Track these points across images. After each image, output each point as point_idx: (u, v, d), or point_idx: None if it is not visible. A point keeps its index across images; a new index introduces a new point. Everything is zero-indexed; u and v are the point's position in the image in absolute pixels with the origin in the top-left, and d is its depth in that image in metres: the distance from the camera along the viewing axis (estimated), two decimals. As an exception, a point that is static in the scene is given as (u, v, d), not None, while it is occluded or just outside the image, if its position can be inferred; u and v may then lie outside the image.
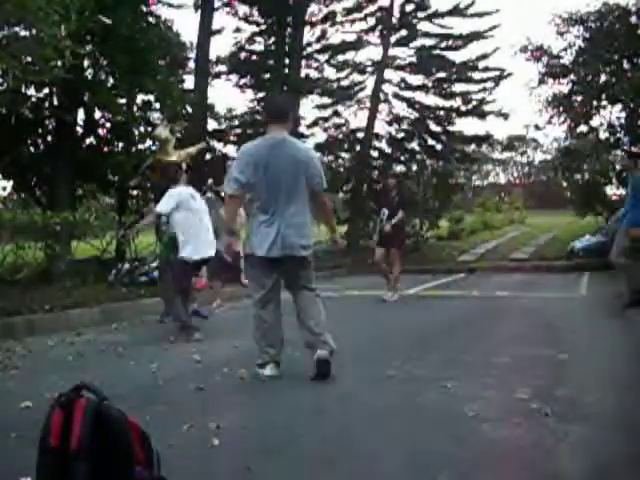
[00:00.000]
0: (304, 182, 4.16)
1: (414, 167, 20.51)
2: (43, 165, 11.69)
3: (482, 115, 19.45)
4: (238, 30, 18.58)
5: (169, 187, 6.70)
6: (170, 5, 15.50)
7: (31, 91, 10.47)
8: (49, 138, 11.68)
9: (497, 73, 19.21)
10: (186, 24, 24.17)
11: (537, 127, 15.55)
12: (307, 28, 18.73)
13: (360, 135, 19.48)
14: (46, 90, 10.77)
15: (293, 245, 4.12)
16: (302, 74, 18.65)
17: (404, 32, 19.43)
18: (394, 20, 19.33)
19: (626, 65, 14.05)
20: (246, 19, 18.60)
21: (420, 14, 19.16)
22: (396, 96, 19.96)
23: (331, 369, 4.07)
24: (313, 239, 4.37)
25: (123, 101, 11.81)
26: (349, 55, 19.82)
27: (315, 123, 19.92)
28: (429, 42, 19.53)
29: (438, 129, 20.07)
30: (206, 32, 16.07)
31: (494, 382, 3.87)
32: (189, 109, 13.48)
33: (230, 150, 18.76)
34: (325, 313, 4.26)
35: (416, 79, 19.88)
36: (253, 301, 4.33)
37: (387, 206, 8.78)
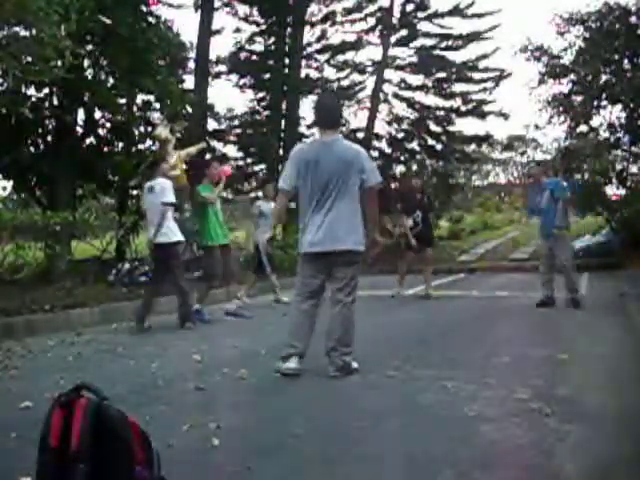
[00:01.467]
0: (353, 180, 4.24)
1: (414, 167, 20.50)
2: (43, 165, 11.67)
3: (482, 115, 19.45)
4: (238, 30, 18.59)
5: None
6: (170, 5, 15.54)
7: (31, 91, 10.47)
8: (49, 138, 11.67)
9: (497, 73, 19.21)
10: (186, 24, 24.20)
11: (537, 127, 15.54)
12: (307, 28, 18.73)
13: (360, 135, 19.48)
14: (46, 90, 10.76)
15: (340, 240, 4.20)
16: (302, 74, 18.64)
17: (404, 32, 19.42)
18: (394, 20, 19.33)
19: (626, 65, 14.04)
20: (246, 19, 18.60)
21: (420, 14, 19.16)
22: (396, 96, 19.97)
23: (346, 373, 4.18)
24: (362, 239, 4.32)
25: (123, 101, 11.80)
26: (349, 55, 19.84)
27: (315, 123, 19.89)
28: (429, 42, 19.54)
29: (438, 129, 20.06)
30: (206, 32, 16.06)
31: (494, 382, 3.87)
32: (189, 109, 13.45)
33: (230, 150, 18.78)
34: (353, 324, 4.29)
35: (416, 79, 19.89)
36: (295, 295, 4.48)
37: (418, 208, 8.97)
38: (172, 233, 6.63)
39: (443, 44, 19.43)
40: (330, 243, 4.21)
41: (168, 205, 6.64)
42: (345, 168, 4.23)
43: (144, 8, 11.56)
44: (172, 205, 6.74)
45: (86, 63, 10.94)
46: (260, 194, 4.83)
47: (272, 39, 18.46)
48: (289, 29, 18.12)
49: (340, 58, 19.81)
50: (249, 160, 18.83)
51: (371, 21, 19.53)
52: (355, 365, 4.29)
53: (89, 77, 11.23)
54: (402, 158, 20.73)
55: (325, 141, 4.35)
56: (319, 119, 4.48)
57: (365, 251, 4.39)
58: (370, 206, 4.42)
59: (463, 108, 19.65)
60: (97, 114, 11.89)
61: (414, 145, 20.38)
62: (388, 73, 19.75)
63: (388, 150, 20.45)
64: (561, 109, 14.72)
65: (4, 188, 12.10)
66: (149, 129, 12.01)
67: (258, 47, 18.96)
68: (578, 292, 7.49)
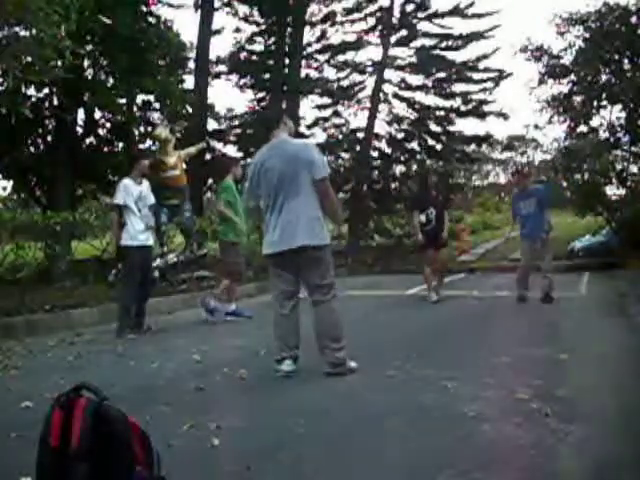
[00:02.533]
0: (302, 176, 4.19)
1: (414, 167, 20.49)
2: (43, 165, 11.68)
3: (482, 115, 19.44)
4: (238, 30, 18.59)
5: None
6: (170, 5, 15.54)
7: (31, 91, 10.48)
8: (49, 138, 11.68)
9: (497, 73, 19.20)
10: (186, 24, 24.19)
11: (537, 127, 15.54)
12: (307, 28, 18.71)
13: (360, 135, 19.47)
14: (46, 90, 10.77)
15: (295, 238, 4.16)
16: (302, 74, 18.63)
17: (404, 32, 19.40)
18: (394, 20, 19.32)
19: (626, 65, 14.04)
20: (246, 19, 18.60)
21: (420, 14, 19.14)
22: (396, 96, 19.95)
23: (340, 373, 4.18)
24: (323, 233, 4.27)
25: (123, 101, 11.81)
26: (349, 55, 19.82)
27: (315, 123, 19.91)
28: (429, 42, 19.51)
29: (438, 129, 20.05)
30: (206, 32, 16.07)
31: (494, 382, 3.87)
32: (189, 109, 13.47)
33: (230, 150, 18.78)
34: (337, 318, 4.28)
35: (416, 79, 19.87)
36: (272, 298, 4.50)
37: (432, 205, 8.67)
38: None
39: (443, 44, 19.41)
40: (285, 242, 4.19)
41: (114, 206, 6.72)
42: (292, 165, 4.20)
43: (144, 8, 11.57)
44: (117, 206, 6.63)
45: (86, 63, 10.95)
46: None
47: (272, 39, 18.46)
48: (289, 29, 18.11)
49: (340, 58, 19.80)
50: (249, 160, 18.82)
51: (371, 21, 19.53)
52: (353, 364, 4.28)
53: (89, 77, 11.24)
54: (402, 158, 20.72)
55: (272, 143, 4.40)
56: (265, 123, 4.55)
57: (328, 245, 4.34)
58: (324, 199, 4.30)
59: (463, 108, 19.63)
60: (97, 114, 11.90)
61: (414, 145, 20.37)
62: (388, 73, 19.74)
63: (388, 150, 20.44)
64: (561, 109, 14.71)
65: (4, 188, 12.13)
66: (149, 129, 12.02)
67: (258, 47, 18.98)
68: (553, 290, 7.91)
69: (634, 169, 15.00)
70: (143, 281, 6.50)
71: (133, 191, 6.52)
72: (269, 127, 4.52)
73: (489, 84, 19.32)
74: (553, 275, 8.06)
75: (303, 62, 18.81)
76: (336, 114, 20.02)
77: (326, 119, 20.01)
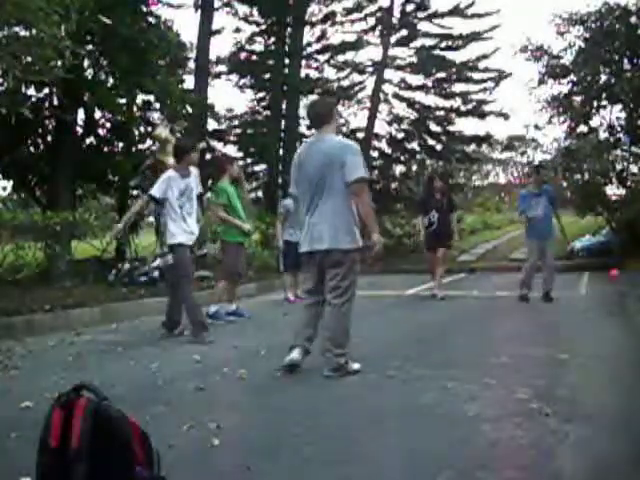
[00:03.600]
0: (337, 177, 4.14)
1: (414, 167, 20.50)
2: (43, 165, 11.67)
3: (482, 115, 19.45)
4: (238, 30, 18.60)
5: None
6: (170, 5, 15.52)
7: (31, 91, 10.46)
8: (49, 138, 11.66)
9: (497, 73, 19.21)
10: (186, 24, 24.19)
11: (537, 127, 15.53)
12: (307, 28, 18.72)
13: (360, 135, 19.49)
14: (46, 90, 10.76)
15: (322, 240, 4.18)
16: (302, 74, 18.64)
17: (404, 32, 19.42)
18: (394, 20, 19.33)
19: (626, 65, 14.04)
20: (246, 19, 18.60)
21: (420, 14, 19.17)
22: (396, 96, 19.97)
23: (341, 375, 4.16)
24: (350, 237, 4.22)
25: (123, 101, 11.80)
26: (349, 55, 19.85)
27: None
28: (429, 42, 19.54)
29: (438, 129, 20.06)
30: (206, 32, 16.06)
31: (494, 382, 3.87)
32: (189, 109, 13.45)
33: (230, 150, 18.78)
34: (347, 325, 4.27)
35: (416, 79, 19.89)
36: (304, 291, 4.75)
37: (435, 209, 8.84)
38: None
39: (443, 44, 19.43)
40: (313, 243, 4.24)
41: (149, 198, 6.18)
42: (328, 165, 4.15)
43: (144, 8, 11.56)
44: (152, 199, 6.09)
45: (86, 63, 10.93)
46: (291, 191, 4.63)
47: (272, 39, 18.47)
48: (289, 29, 18.12)
49: (340, 58, 19.83)
50: (249, 160, 18.83)
51: (371, 21, 19.56)
52: (356, 366, 4.27)
53: (89, 77, 11.23)
54: (402, 158, 20.74)
55: (312, 141, 4.42)
56: (308, 120, 4.57)
57: (361, 250, 4.31)
58: (357, 203, 4.24)
59: (463, 108, 19.65)
60: (97, 114, 11.89)
61: (414, 145, 20.38)
62: (388, 73, 19.77)
63: (388, 150, 20.46)
64: (561, 109, 14.71)
65: (4, 188, 12.12)
66: (149, 129, 12.01)
67: (258, 47, 19.00)
68: (552, 289, 8.06)
69: (634, 169, 15.01)
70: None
71: (177, 185, 5.94)
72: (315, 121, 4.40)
73: (489, 84, 19.35)
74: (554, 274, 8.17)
75: (303, 62, 18.83)
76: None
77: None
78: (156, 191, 5.94)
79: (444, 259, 9.14)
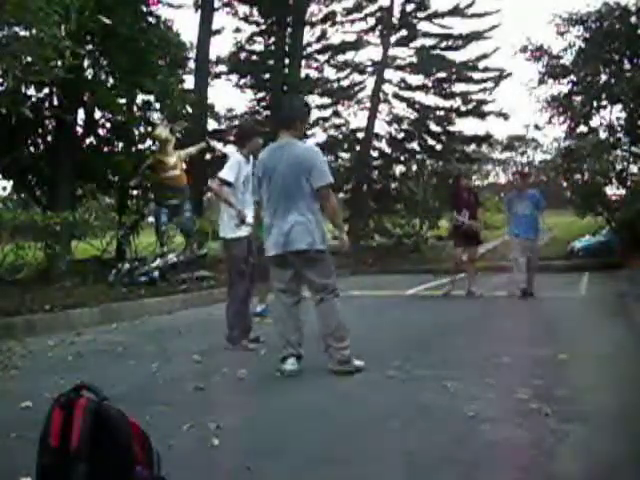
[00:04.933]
0: (303, 182, 4.26)
1: (414, 167, 20.49)
2: (43, 165, 11.67)
3: (482, 115, 19.43)
4: (238, 30, 18.58)
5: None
6: (170, 5, 15.52)
7: (31, 91, 10.45)
8: (49, 138, 11.66)
9: (497, 73, 19.19)
10: (186, 24, 24.19)
11: (537, 127, 15.52)
12: (307, 28, 18.70)
13: (360, 135, 19.47)
14: (46, 90, 10.75)
15: (293, 241, 4.24)
16: (302, 74, 18.63)
17: (404, 32, 19.40)
18: (394, 20, 19.32)
19: (626, 65, 14.02)
20: (246, 19, 18.59)
21: (420, 14, 19.14)
22: (396, 96, 19.95)
23: (346, 371, 4.23)
24: (321, 238, 4.30)
25: (123, 101, 11.79)
26: (349, 55, 19.83)
27: (315, 123, 19.90)
28: (429, 42, 19.52)
29: (438, 129, 20.05)
30: (206, 32, 16.06)
31: (494, 382, 3.87)
32: (189, 109, 13.44)
33: (230, 150, 18.75)
34: (339, 317, 4.32)
35: (416, 79, 19.87)
36: (274, 296, 4.66)
37: (465, 206, 9.28)
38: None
39: (443, 44, 19.41)
40: (284, 245, 4.27)
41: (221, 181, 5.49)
42: (294, 170, 4.26)
43: (144, 8, 11.55)
44: (226, 184, 5.42)
45: (86, 63, 10.92)
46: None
47: (272, 39, 18.46)
48: (289, 29, 18.11)
49: (340, 58, 19.80)
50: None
51: (371, 21, 19.53)
52: (360, 363, 4.31)
53: (89, 77, 11.22)
54: (402, 158, 20.72)
55: (278, 145, 4.45)
56: (275, 118, 4.52)
57: (333, 253, 4.43)
58: (326, 207, 4.36)
59: (463, 108, 19.62)
60: (97, 114, 11.88)
61: (414, 145, 20.37)
62: (388, 73, 19.74)
63: (388, 150, 20.44)
64: (561, 109, 14.70)
65: (4, 188, 12.10)
66: (149, 129, 12.01)
67: (258, 47, 18.97)
68: (533, 286, 8.63)
69: (634, 169, 15.00)
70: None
71: (242, 172, 5.46)
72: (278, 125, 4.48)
73: (489, 84, 19.32)
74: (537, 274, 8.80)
75: (303, 62, 18.81)
76: (336, 114, 20.02)
77: (326, 119, 20.00)
78: (230, 175, 5.41)
79: (474, 257, 9.59)
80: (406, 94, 19.95)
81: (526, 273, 8.55)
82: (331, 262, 4.43)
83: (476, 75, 19.51)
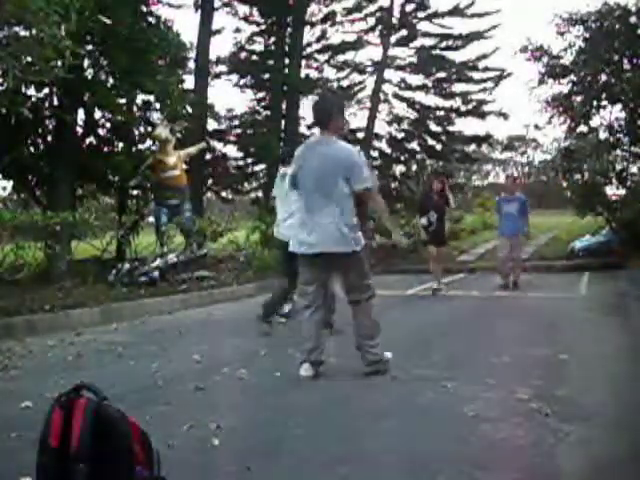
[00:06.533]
0: (341, 182, 4.18)
1: (414, 167, 20.49)
2: (43, 165, 11.65)
3: (482, 115, 19.45)
4: (238, 30, 18.57)
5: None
6: (170, 5, 15.53)
7: (31, 91, 10.44)
8: (49, 138, 11.65)
9: (497, 73, 19.20)
10: (186, 24, 24.16)
11: (537, 127, 15.52)
12: (307, 28, 18.69)
13: (360, 135, 19.48)
14: (46, 90, 10.74)
15: (328, 243, 4.18)
16: (302, 74, 18.63)
17: (404, 32, 19.42)
18: (394, 20, 19.33)
19: (626, 65, 14.02)
20: (246, 19, 18.59)
21: (420, 14, 19.16)
22: (396, 96, 19.96)
23: (378, 370, 4.26)
24: (356, 239, 4.26)
25: (123, 101, 11.78)
26: (349, 55, 19.84)
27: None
28: (429, 42, 19.53)
29: (438, 129, 20.06)
30: (206, 32, 16.06)
31: (494, 382, 3.87)
32: (189, 109, 13.44)
33: (230, 150, 18.76)
34: (374, 318, 4.33)
35: (416, 79, 19.89)
36: (299, 294, 4.73)
37: (433, 208, 9.45)
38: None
39: (443, 44, 19.42)
40: (318, 245, 4.20)
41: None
42: (332, 169, 4.19)
43: (144, 8, 11.55)
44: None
45: (86, 63, 10.91)
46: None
47: (272, 39, 18.45)
48: (289, 29, 18.11)
49: (340, 58, 19.81)
50: (249, 160, 18.83)
51: (371, 21, 19.55)
52: (389, 355, 4.38)
53: (89, 77, 11.21)
54: (402, 158, 20.73)
55: (317, 141, 4.41)
56: (313, 118, 4.52)
57: (364, 250, 4.36)
58: (372, 207, 4.42)
59: (463, 108, 19.64)
60: (97, 114, 11.87)
61: (414, 145, 20.37)
62: (388, 73, 19.76)
63: (388, 150, 20.45)
64: (561, 109, 14.69)
65: (4, 188, 12.07)
66: (149, 129, 12.01)
67: (258, 47, 18.97)
68: (519, 278, 9.59)
69: (634, 169, 15.00)
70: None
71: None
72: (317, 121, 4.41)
73: (489, 84, 19.34)
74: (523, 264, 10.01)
75: (303, 62, 18.81)
76: (336, 114, 20.01)
77: (326, 119, 19.99)
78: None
79: (440, 257, 9.76)
80: (406, 94, 19.97)
81: (507, 267, 9.56)
82: (366, 263, 4.40)
83: (476, 75, 19.53)
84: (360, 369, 4.27)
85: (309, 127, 19.48)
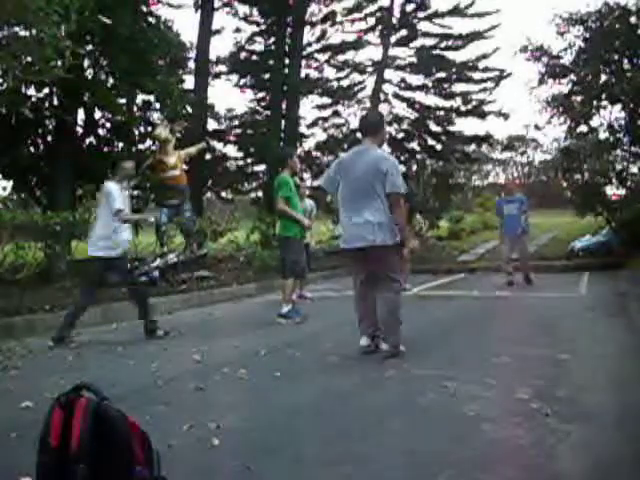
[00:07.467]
0: (378, 185, 4.72)
1: (414, 167, 20.49)
2: (43, 165, 11.67)
3: (482, 115, 19.46)
4: (238, 30, 18.60)
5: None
6: (170, 5, 15.54)
7: (31, 91, 10.47)
8: (49, 138, 11.66)
9: (497, 73, 19.22)
10: (186, 24, 24.18)
11: (537, 127, 15.51)
12: (307, 28, 18.73)
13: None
14: (46, 90, 10.75)
15: (366, 237, 4.70)
16: (302, 74, 18.64)
17: (404, 32, 19.43)
18: (394, 20, 19.34)
19: (626, 65, 14.01)
20: (246, 19, 18.61)
21: (420, 14, 19.17)
22: (396, 96, 19.98)
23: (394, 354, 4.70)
24: (389, 235, 4.73)
25: (123, 101, 11.79)
26: (349, 55, 19.86)
27: (315, 123, 19.92)
28: (429, 42, 19.55)
29: (438, 129, 20.07)
30: (206, 32, 16.07)
31: (494, 382, 3.87)
32: (189, 109, 13.45)
33: (230, 150, 18.76)
34: (397, 309, 4.79)
35: (416, 79, 19.91)
36: (353, 284, 5.14)
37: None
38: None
39: (443, 44, 19.44)
40: (357, 241, 4.74)
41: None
42: (372, 174, 4.72)
43: (144, 8, 11.56)
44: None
45: (86, 63, 10.92)
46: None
47: (272, 39, 18.47)
48: (289, 29, 18.12)
49: (340, 58, 19.84)
50: (249, 160, 18.83)
51: (371, 21, 19.58)
52: (402, 348, 4.77)
53: (89, 77, 11.22)
54: (402, 158, 20.72)
55: (360, 149, 4.97)
56: (361, 127, 5.18)
57: (396, 248, 4.86)
58: (394, 212, 4.78)
59: (463, 108, 19.65)
60: (97, 114, 11.88)
61: (414, 145, 20.38)
62: (388, 73, 19.77)
63: (388, 150, 20.44)
64: (561, 109, 14.69)
65: (4, 188, 12.09)
66: (149, 129, 12.01)
67: (258, 47, 18.99)
68: (531, 273, 10.17)
69: (634, 169, 14.99)
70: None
71: None
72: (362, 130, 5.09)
73: (489, 84, 19.36)
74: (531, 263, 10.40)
75: (303, 62, 18.82)
76: (336, 114, 20.04)
77: (326, 119, 20.03)
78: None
79: (405, 258, 9.78)
80: (406, 94, 19.98)
81: (510, 266, 10.02)
82: (397, 258, 4.98)
83: (476, 75, 19.55)
84: (361, 369, 4.27)
85: (309, 127, 19.54)
